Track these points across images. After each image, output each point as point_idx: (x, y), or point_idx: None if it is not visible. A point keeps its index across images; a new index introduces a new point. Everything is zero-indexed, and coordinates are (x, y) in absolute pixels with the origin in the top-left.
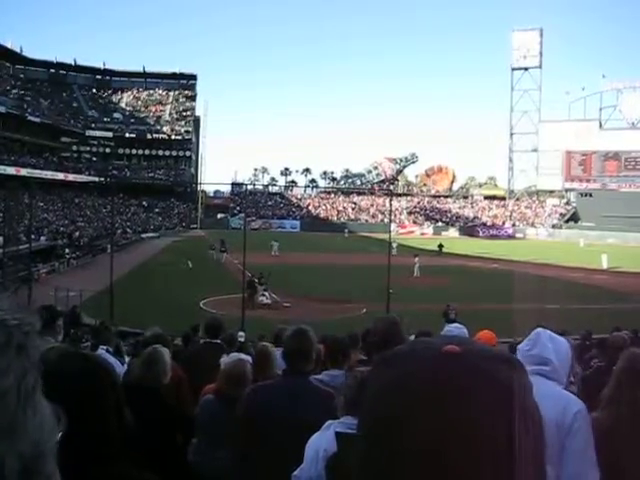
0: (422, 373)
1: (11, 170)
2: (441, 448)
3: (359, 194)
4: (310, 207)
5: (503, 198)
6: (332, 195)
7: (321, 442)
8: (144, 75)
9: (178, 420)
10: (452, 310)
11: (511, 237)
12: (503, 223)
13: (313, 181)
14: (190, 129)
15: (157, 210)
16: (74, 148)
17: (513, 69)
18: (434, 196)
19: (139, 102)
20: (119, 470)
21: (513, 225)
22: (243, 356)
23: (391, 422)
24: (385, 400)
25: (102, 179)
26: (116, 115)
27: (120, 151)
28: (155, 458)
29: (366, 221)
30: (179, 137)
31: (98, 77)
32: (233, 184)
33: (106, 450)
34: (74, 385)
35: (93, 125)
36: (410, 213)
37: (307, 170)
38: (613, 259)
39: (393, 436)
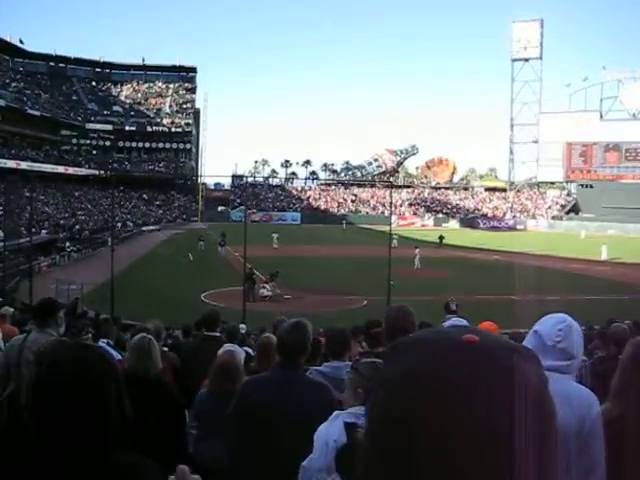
0: (445, 363)
1: (11, 164)
2: (459, 439)
3: (359, 186)
4: (311, 199)
5: (504, 190)
6: (332, 187)
7: (331, 432)
8: (144, 68)
9: (174, 409)
10: (454, 302)
11: (512, 229)
12: (504, 215)
13: (313, 173)
14: (190, 121)
15: (157, 203)
16: (74, 141)
17: (513, 60)
18: (435, 188)
19: (139, 95)
20: (118, 457)
21: (514, 217)
22: (235, 348)
23: (414, 412)
24: (407, 390)
25: (102, 172)
26: (116, 108)
27: (120, 144)
28: (154, 446)
29: (367, 213)
30: (179, 130)
31: (98, 70)
32: (233, 176)
33: (105, 438)
34: (74, 374)
35: (93, 118)
36: (411, 205)
37: (307, 162)
38: (613, 250)
39: (416, 426)
